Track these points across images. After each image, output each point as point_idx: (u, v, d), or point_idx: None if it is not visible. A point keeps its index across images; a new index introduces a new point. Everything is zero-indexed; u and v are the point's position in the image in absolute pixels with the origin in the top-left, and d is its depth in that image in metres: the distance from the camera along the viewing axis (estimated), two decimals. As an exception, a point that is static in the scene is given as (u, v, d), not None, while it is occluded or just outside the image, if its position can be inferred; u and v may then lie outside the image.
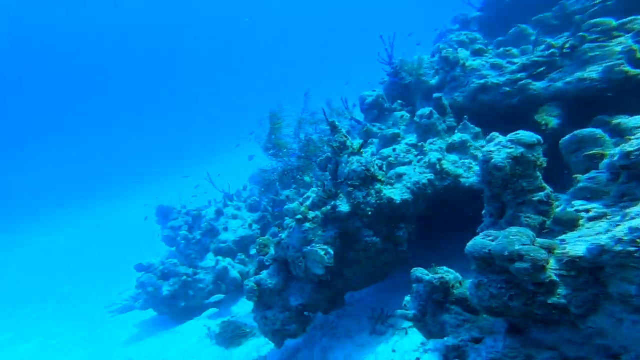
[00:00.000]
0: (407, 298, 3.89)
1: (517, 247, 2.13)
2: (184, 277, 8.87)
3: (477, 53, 6.26)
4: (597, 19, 5.17)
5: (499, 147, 2.81)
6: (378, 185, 4.52)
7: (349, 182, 4.53)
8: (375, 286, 5.75)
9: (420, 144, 5.13)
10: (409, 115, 7.28)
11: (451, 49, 6.11)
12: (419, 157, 5.04)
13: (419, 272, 3.52)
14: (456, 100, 5.69)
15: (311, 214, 4.78)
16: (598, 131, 3.22)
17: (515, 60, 5.59)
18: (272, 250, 5.79)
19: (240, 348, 6.57)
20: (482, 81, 5.44)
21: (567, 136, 3.28)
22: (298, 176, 7.98)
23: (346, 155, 4.72)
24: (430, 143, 5.10)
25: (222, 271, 8.74)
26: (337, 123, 4.80)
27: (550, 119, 5.13)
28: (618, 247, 1.80)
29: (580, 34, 4.98)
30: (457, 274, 3.49)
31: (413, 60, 7.06)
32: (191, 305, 8.97)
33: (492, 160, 2.74)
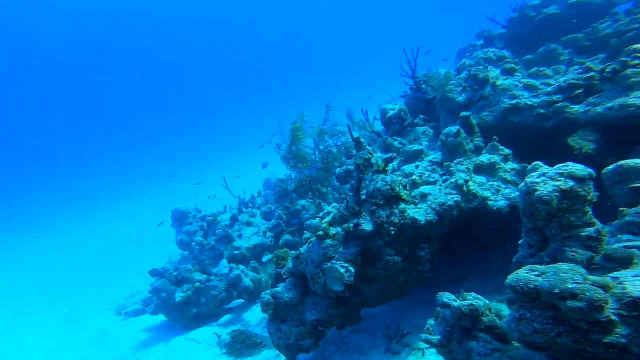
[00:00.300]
0: (431, 322, 3.77)
1: (570, 286, 2.02)
2: (197, 283, 8.85)
3: (508, 72, 6.14)
4: (637, 45, 5.01)
5: (545, 178, 2.70)
6: (402, 205, 4.43)
7: (373, 201, 4.45)
8: (390, 302, 5.64)
9: (446, 163, 5.02)
10: (432, 131, 7.19)
11: (481, 67, 6.01)
12: (444, 177, 4.93)
13: (445, 297, 3.41)
14: (484, 120, 5.58)
15: (332, 231, 4.71)
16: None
17: (550, 81, 5.47)
18: (289, 263, 5.73)
19: (250, 360, 6.48)
20: (514, 102, 5.32)
21: (612, 166, 3.15)
22: (315, 187, 7.95)
23: (370, 173, 4.64)
24: (458, 163, 4.99)
25: (236, 279, 8.70)
26: (362, 140, 4.74)
27: (585, 143, 4.96)
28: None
29: (623, 58, 4.83)
30: (486, 301, 3.36)
31: (439, 75, 6.97)
32: (202, 312, 8.94)
33: (538, 193, 2.63)
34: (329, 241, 4.69)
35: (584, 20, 9.33)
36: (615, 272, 2.30)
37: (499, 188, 4.60)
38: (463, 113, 5.43)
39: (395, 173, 5.68)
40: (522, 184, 2.91)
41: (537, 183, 2.72)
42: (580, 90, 4.95)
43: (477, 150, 5.28)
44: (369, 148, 4.81)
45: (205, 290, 8.92)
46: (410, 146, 6.33)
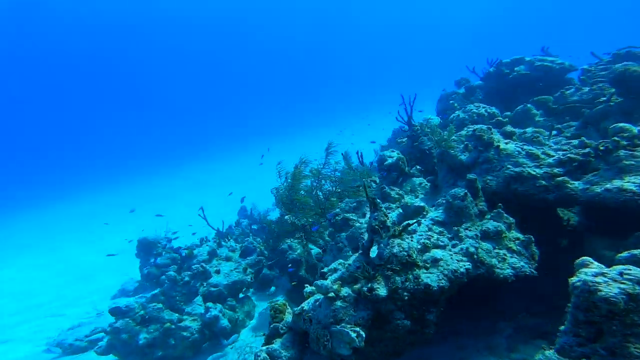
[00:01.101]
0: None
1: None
2: (168, 324, 8.26)
3: (508, 136, 6.51)
4: (623, 124, 5.55)
5: (607, 279, 2.86)
6: (417, 271, 4.45)
7: (389, 266, 4.44)
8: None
9: (455, 228, 5.15)
10: (429, 184, 7.38)
11: (485, 127, 6.33)
12: (453, 241, 5.04)
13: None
14: (488, 184, 5.83)
15: (343, 292, 4.61)
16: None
17: (545, 149, 5.88)
18: (288, 318, 5.51)
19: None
20: (518, 169, 5.63)
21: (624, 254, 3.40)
22: (309, 230, 7.82)
23: (386, 237, 4.64)
24: (466, 229, 5.13)
25: (213, 319, 8.22)
26: (378, 200, 4.74)
27: (571, 215, 5.38)
28: None
29: (615, 138, 5.31)
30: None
31: (435, 126, 7.25)
32: (169, 356, 8.32)
33: (602, 293, 2.79)
34: (339, 303, 4.59)
35: (548, 83, 10.37)
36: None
37: (505, 257, 4.78)
38: (470, 176, 5.64)
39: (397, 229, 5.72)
40: (577, 280, 3.06)
41: (599, 283, 2.88)
42: (575, 164, 5.34)
43: (481, 215, 5.48)
44: (384, 210, 4.82)
45: (176, 331, 8.34)
46: (412, 201, 6.46)
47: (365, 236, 6.60)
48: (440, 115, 11.56)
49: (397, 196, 7.46)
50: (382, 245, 4.70)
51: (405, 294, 4.35)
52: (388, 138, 18.84)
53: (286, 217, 10.13)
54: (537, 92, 9.90)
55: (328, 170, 7.45)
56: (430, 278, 4.50)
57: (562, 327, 3.26)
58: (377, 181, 7.79)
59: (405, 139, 8.55)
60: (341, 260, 5.41)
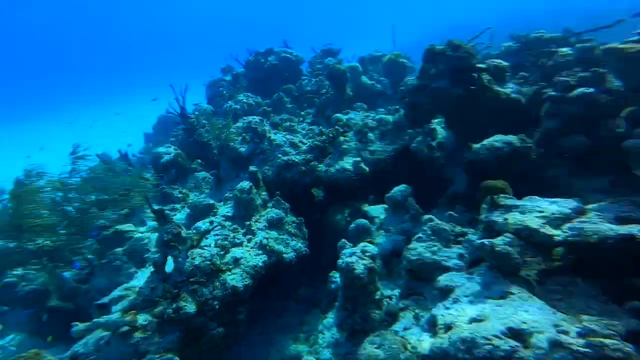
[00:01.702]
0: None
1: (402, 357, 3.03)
2: None
3: (275, 126, 7.25)
4: (337, 115, 7.37)
5: (357, 258, 3.76)
6: (222, 277, 4.54)
7: (193, 279, 4.30)
8: None
9: (248, 223, 5.47)
10: (212, 178, 7.38)
11: (258, 120, 6.79)
12: (248, 236, 5.37)
13: None
14: (266, 174, 6.40)
15: (141, 320, 4.14)
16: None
17: (303, 139, 7.00)
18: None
19: None
20: (285, 158, 6.45)
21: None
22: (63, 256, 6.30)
23: (184, 250, 4.42)
24: (256, 221, 5.54)
25: None
26: (167, 212, 4.41)
27: (319, 192, 6.81)
28: None
29: (336, 127, 6.91)
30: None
31: (214, 120, 7.23)
32: None
33: (357, 271, 3.69)
34: (139, 335, 4.09)
35: (290, 72, 12.29)
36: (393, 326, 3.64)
37: (288, 241, 5.53)
38: (251, 168, 6.02)
39: (189, 233, 5.53)
40: (341, 262, 3.88)
41: (354, 263, 3.76)
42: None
43: (264, 205, 6.03)
44: (175, 222, 4.52)
45: None
46: (199, 199, 6.29)
47: (154, 250, 6.00)
48: (211, 102, 11.49)
49: (180, 195, 7.09)
50: (180, 259, 4.44)
51: (215, 303, 4.35)
52: (153, 125, 17.01)
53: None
54: (284, 80, 11.48)
55: (77, 178, 6.10)
56: (235, 279, 4.66)
57: (337, 304, 4.15)
58: (152, 181, 7.08)
59: (180, 131, 8.05)
60: (126, 285, 4.76)
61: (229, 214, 6.22)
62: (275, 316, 6.16)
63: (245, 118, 7.02)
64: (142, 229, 6.58)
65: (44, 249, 6.26)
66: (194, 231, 5.71)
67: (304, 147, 6.86)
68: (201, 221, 6.17)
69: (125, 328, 4.04)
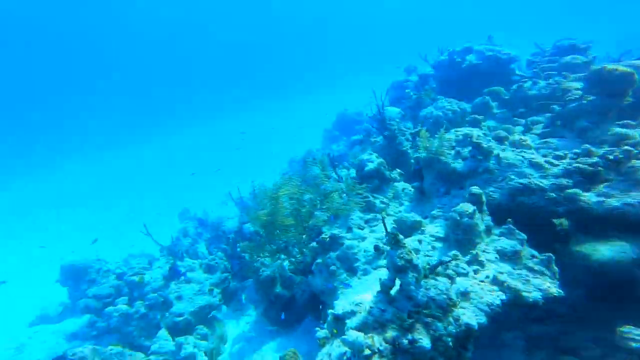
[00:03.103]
0: None
1: None
2: (135, 372, 7.00)
3: (500, 140, 6.36)
4: (624, 130, 5.71)
5: None
6: (456, 312, 4.11)
7: (427, 312, 4.02)
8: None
9: (474, 252, 4.90)
10: (412, 190, 7.08)
11: (481, 133, 6.08)
12: (473, 266, 4.79)
13: None
14: (491, 197, 5.65)
15: (378, 344, 4.09)
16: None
17: (533, 153, 5.87)
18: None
19: None
20: (523, 181, 5.50)
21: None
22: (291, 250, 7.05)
23: (414, 278, 4.17)
24: (484, 251, 4.91)
25: (189, 358, 7.15)
26: (400, 237, 4.22)
27: (564, 222, 5.50)
28: None
29: (627, 147, 5.38)
30: None
31: (424, 132, 6.85)
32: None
33: None
34: (376, 359, 4.06)
35: (497, 72, 10.69)
36: None
37: (528, 278, 4.68)
38: (474, 190, 5.39)
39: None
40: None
41: None
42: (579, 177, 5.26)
43: (488, 231, 5.33)
44: (408, 247, 4.31)
45: (144, 378, 7.13)
46: (407, 215, 6.06)
47: (364, 261, 6.09)
48: (395, 104, 11.36)
49: (382, 205, 7.05)
50: (412, 287, 4.23)
51: (449, 339, 4.00)
52: (333, 122, 18.32)
53: (250, 227, 9.13)
54: (486, 81, 10.15)
55: (309, 181, 6.68)
56: (467, 315, 4.21)
57: None
58: (361, 190, 7.20)
59: (380, 138, 8.06)
60: (356, 300, 4.85)
61: (439, 235, 5.78)
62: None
63: (460, 130, 6.41)
64: (348, 235, 6.84)
65: (283, 245, 7.16)
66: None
67: (555, 170, 5.70)
68: (409, 238, 5.96)
69: (367, 352, 4.09)
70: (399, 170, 7.39)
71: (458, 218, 5.28)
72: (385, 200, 7.07)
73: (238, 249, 9.93)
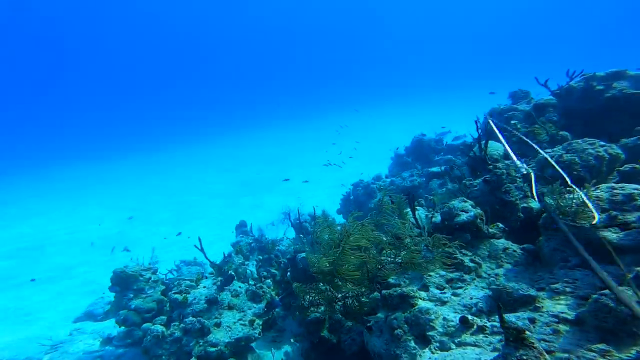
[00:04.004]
0: None
1: None
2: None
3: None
4: None
5: None
6: None
7: None
8: None
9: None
10: (519, 251, 5.34)
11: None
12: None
13: None
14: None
15: None
16: None
17: None
18: None
19: None
20: None
21: None
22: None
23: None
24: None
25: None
26: (528, 333, 2.67)
27: None
28: None
29: None
30: None
31: (556, 186, 5.07)
32: None
33: None
34: None
35: None
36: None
37: None
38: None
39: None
40: None
41: None
42: None
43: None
44: (539, 348, 2.74)
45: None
46: (514, 285, 4.38)
47: (441, 331, 4.61)
48: (489, 137, 9.34)
49: (472, 265, 5.40)
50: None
51: None
52: (406, 147, 16.42)
53: (304, 257, 8.17)
54: (635, 116, 7.73)
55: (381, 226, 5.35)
56: None
57: None
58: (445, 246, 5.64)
59: (479, 181, 6.39)
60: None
61: (566, 317, 4.06)
62: None
63: (621, 188, 4.47)
64: (423, 294, 5.32)
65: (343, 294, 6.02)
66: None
67: None
68: (513, 314, 4.33)
69: None
70: (500, 225, 5.65)
71: (612, 305, 3.49)
72: (476, 259, 5.41)
73: (288, 276, 8.94)
